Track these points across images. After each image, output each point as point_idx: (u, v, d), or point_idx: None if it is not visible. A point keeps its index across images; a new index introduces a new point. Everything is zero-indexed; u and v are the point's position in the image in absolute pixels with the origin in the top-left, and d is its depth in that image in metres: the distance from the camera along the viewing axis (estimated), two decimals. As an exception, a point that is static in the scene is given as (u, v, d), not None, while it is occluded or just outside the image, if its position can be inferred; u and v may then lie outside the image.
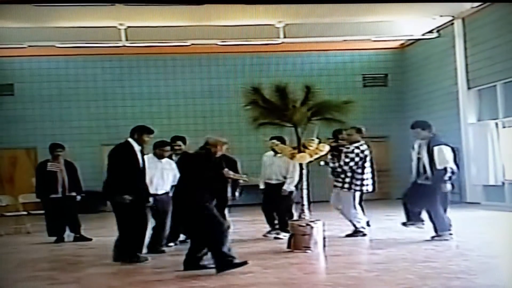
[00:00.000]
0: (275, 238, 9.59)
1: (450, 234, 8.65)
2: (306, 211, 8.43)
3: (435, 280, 6.00)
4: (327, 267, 7.46)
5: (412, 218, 8.88)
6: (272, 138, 9.65)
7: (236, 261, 6.66)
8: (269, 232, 9.88)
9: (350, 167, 9.27)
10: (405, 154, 10.66)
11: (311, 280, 6.40)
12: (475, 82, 15.44)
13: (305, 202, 8.45)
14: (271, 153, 9.89)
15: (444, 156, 8.53)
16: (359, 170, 9.32)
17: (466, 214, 12.73)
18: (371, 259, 7.47)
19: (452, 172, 8.52)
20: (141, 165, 7.90)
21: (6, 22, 14.88)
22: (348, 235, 9.39)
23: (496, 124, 14.69)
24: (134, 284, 6.46)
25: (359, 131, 9.42)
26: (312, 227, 8.18)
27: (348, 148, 9.37)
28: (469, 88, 15.64)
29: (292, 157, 8.64)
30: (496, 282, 5.95)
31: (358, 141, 9.39)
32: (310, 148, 8.52)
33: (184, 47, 16.95)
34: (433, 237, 8.69)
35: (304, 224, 8.22)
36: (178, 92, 18.58)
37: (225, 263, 6.61)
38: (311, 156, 8.53)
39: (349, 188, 9.34)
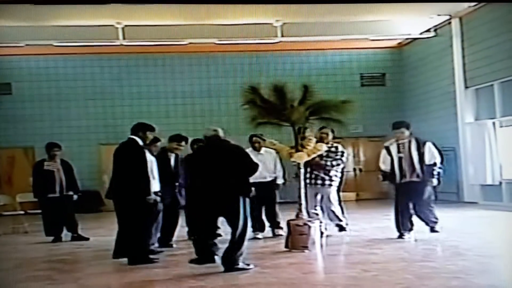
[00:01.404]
0: (256, 238, 9.45)
1: (436, 222, 8.83)
2: (303, 210, 8.43)
3: (433, 280, 6.00)
4: (325, 267, 7.46)
5: (406, 225, 8.91)
6: (252, 136, 9.62)
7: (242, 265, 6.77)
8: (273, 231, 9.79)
9: (338, 165, 9.24)
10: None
11: (310, 280, 6.39)
12: (472, 81, 15.45)
13: (303, 202, 8.46)
14: (252, 151, 9.47)
15: (433, 152, 8.85)
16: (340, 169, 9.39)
17: (464, 214, 12.76)
18: (369, 258, 7.45)
19: (440, 167, 8.82)
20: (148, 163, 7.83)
21: (4, 21, 14.83)
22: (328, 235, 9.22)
23: (494, 123, 14.69)
24: (133, 284, 6.45)
25: (332, 131, 9.38)
26: (310, 227, 8.17)
27: (336, 147, 9.32)
28: (466, 87, 15.64)
29: (290, 156, 8.63)
30: (494, 282, 5.95)
31: (332, 142, 9.33)
32: (308, 147, 8.52)
33: (182, 46, 16.93)
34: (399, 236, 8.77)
35: (301, 224, 8.21)
36: (177, 92, 18.55)
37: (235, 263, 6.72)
38: (308, 155, 8.53)
39: (336, 186, 9.33)
